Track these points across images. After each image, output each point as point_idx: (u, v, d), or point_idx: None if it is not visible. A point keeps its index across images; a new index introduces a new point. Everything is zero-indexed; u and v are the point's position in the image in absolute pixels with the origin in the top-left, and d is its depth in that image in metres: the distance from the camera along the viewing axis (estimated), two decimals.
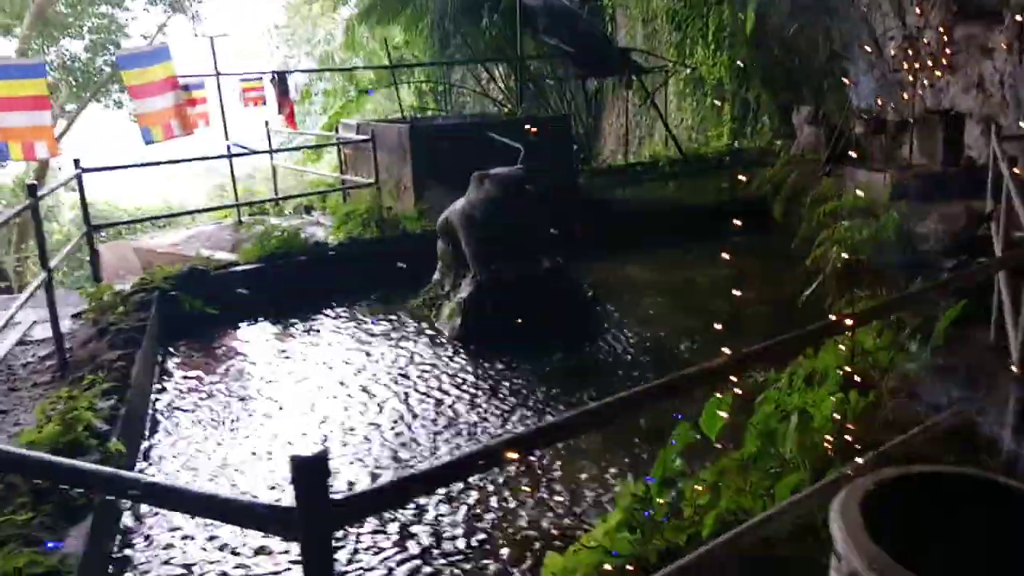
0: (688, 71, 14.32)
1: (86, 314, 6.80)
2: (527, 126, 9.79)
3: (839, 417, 3.83)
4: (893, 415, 4.24)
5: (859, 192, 8.31)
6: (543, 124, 10.55)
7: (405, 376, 6.32)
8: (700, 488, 3.54)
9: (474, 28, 15.22)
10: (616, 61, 13.16)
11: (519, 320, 6.87)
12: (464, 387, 6.11)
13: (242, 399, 6.08)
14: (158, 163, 8.77)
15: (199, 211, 15.43)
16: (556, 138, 10.84)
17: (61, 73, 22.75)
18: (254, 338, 7.51)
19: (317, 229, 9.98)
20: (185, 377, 6.54)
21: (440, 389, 6.07)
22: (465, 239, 7.39)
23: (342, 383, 6.26)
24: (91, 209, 8.43)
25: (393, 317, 7.82)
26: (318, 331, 7.57)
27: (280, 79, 11.93)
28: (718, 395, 3.68)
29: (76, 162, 7.63)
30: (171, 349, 7.14)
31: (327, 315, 7.97)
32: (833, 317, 2.91)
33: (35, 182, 7.39)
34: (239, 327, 7.74)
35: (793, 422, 3.74)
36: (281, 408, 5.88)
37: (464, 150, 9.24)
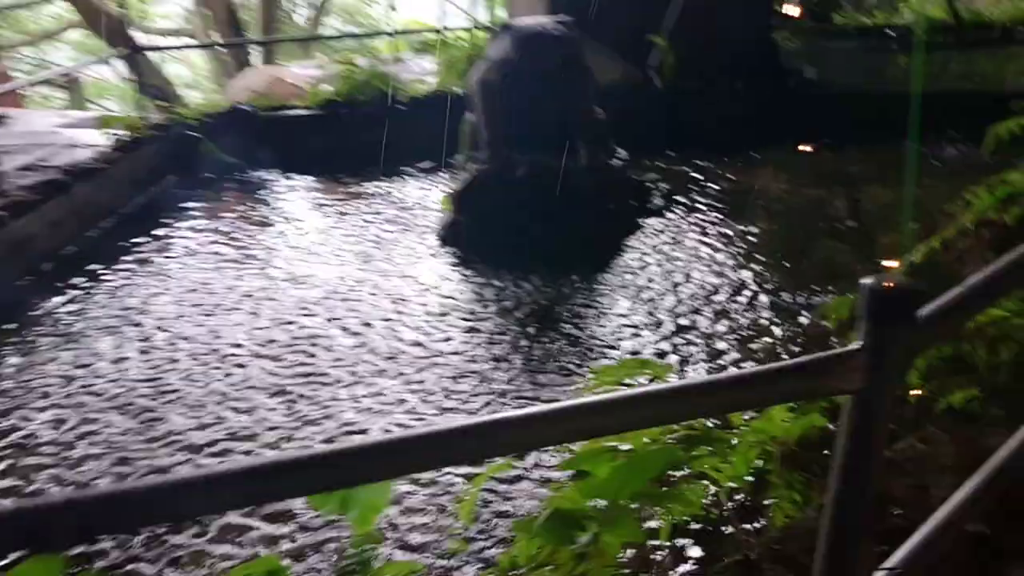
0: None
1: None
2: None
3: None
4: None
5: None
6: None
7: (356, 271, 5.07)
8: None
9: None
10: None
11: (532, 226, 5.25)
12: (408, 302, 4.69)
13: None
14: None
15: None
16: None
17: None
18: (251, 198, 6.56)
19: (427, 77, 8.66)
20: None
21: (371, 301, 4.71)
22: (478, 111, 5.69)
23: (289, 275, 5.11)
24: None
25: (413, 197, 6.45)
26: (321, 203, 6.45)
27: None
28: None
29: None
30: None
31: (352, 181, 6.81)
32: None
33: None
34: (250, 183, 6.84)
35: None
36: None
37: None
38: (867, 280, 1.33)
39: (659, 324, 4.36)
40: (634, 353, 4.03)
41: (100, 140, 6.38)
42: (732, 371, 3.59)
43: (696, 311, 4.47)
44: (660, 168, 6.87)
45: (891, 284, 1.30)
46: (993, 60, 8.31)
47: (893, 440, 3.09)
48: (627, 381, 2.43)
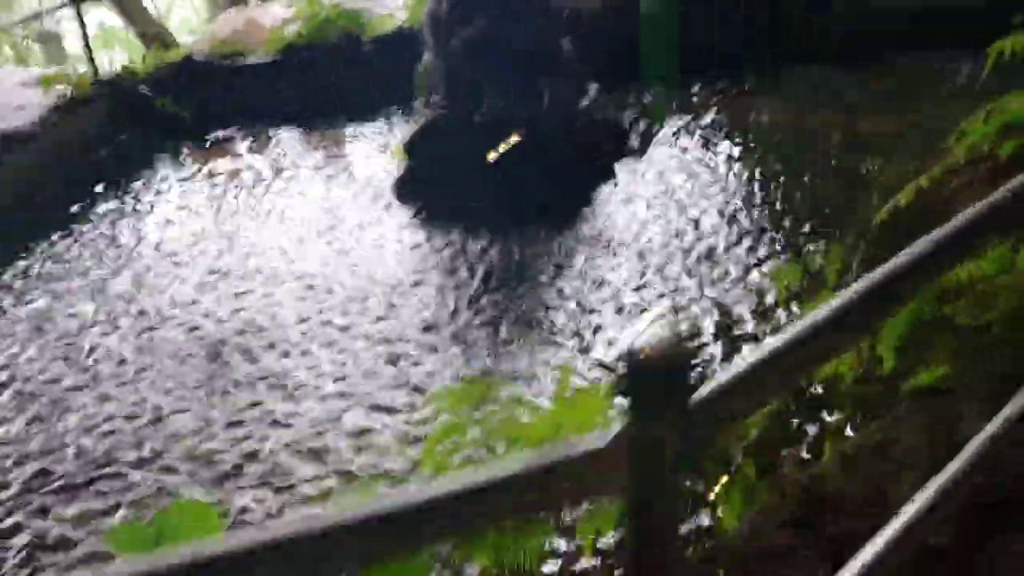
0: None
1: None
2: None
3: None
4: None
5: None
6: None
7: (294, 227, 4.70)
8: None
9: None
10: None
11: (490, 176, 4.83)
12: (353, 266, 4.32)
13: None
14: None
15: None
16: None
17: None
18: (205, 155, 6.17)
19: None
20: None
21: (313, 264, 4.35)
22: (430, 49, 5.19)
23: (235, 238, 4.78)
24: None
25: (369, 147, 6.01)
26: (276, 157, 6.02)
27: None
28: None
29: None
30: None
31: (306, 134, 6.36)
32: None
33: None
34: (205, 139, 6.42)
35: None
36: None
37: None
38: (632, 338, 0.90)
39: (622, 283, 3.92)
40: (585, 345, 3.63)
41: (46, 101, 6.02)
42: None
43: (663, 267, 4.02)
44: (643, 100, 6.32)
45: (652, 353, 0.87)
46: None
47: (856, 426, 2.68)
48: (464, 409, 2.03)
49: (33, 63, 13.82)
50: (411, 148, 5.06)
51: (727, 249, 4.02)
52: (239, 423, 3.17)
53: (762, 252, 3.96)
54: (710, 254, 4.00)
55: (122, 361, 3.64)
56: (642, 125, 5.58)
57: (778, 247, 4.01)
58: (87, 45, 6.70)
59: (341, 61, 6.84)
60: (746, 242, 4.10)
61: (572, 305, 3.74)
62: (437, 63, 5.12)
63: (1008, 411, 1.94)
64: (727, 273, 3.82)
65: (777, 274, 2.82)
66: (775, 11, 7.01)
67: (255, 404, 3.26)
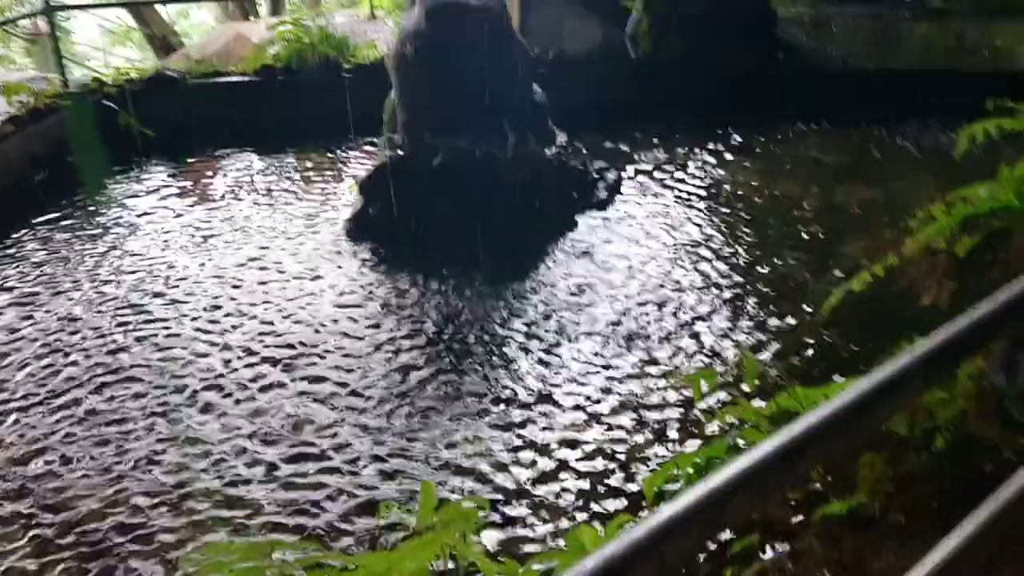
0: None
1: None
2: None
3: None
4: None
5: None
6: None
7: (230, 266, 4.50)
8: None
9: None
10: None
11: (445, 222, 4.65)
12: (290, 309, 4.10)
13: None
14: None
15: None
16: None
17: None
18: (156, 176, 5.99)
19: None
20: None
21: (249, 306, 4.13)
22: (395, 86, 5.02)
23: (168, 277, 4.54)
24: None
25: (329, 181, 5.83)
26: (231, 182, 5.84)
27: None
28: None
29: None
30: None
31: (266, 158, 6.20)
32: None
33: None
34: (162, 159, 6.23)
35: None
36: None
37: None
38: None
39: (557, 353, 3.71)
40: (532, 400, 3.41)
41: (8, 110, 5.86)
42: None
43: (607, 340, 3.80)
44: (618, 152, 6.16)
45: None
46: (1017, 31, 7.34)
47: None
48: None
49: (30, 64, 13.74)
50: (364, 187, 4.88)
51: (660, 334, 3.80)
52: None
53: (698, 340, 3.74)
54: (643, 335, 3.79)
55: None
56: (611, 176, 5.40)
57: (715, 334, 3.78)
58: (58, 53, 6.56)
59: (317, 86, 6.70)
60: (682, 322, 3.88)
61: (501, 384, 3.52)
62: (400, 102, 4.95)
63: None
64: (650, 361, 3.60)
65: (694, 380, 2.56)
66: (767, 65, 6.90)
67: None
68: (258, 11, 16.19)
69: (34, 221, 5.17)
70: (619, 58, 7.17)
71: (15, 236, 5.00)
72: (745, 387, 3.17)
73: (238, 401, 3.35)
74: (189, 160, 6.21)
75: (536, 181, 4.93)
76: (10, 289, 4.38)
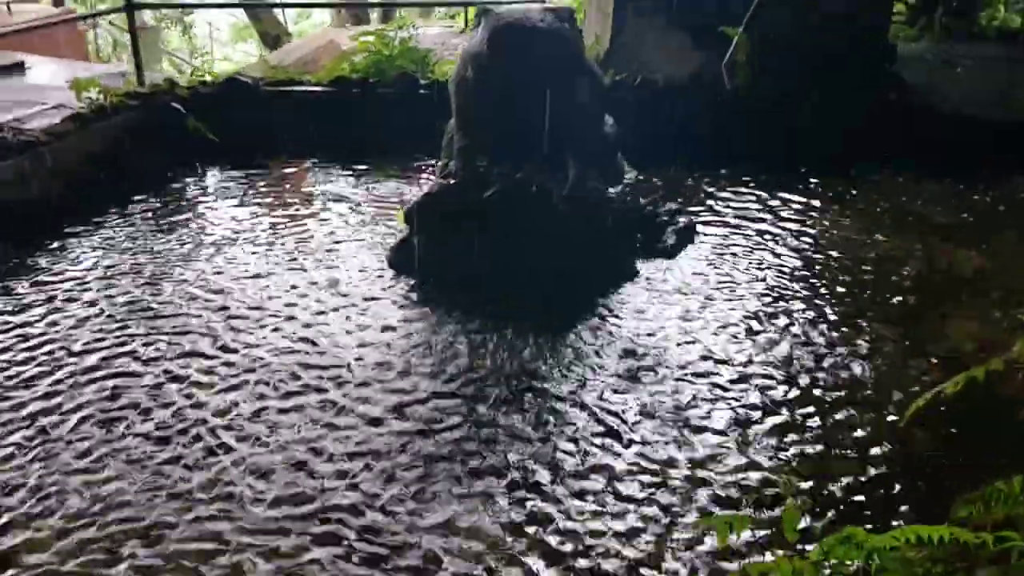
0: None
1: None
2: None
3: None
4: None
5: None
6: None
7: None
8: None
9: None
10: None
11: (496, 258, 4.29)
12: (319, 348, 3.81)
13: None
14: None
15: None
16: None
17: None
18: (206, 188, 5.82)
19: None
20: None
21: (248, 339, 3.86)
22: (454, 110, 4.66)
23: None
24: None
25: (386, 203, 5.52)
26: (287, 194, 5.62)
27: None
28: None
29: None
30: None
31: (331, 175, 5.96)
32: None
33: None
34: (220, 168, 6.08)
35: None
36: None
37: None
38: None
39: (597, 432, 3.24)
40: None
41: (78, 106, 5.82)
42: None
43: (652, 414, 3.30)
44: (698, 191, 5.64)
45: None
46: None
47: None
48: None
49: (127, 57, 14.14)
50: (410, 216, 4.53)
51: (704, 444, 3.21)
52: None
53: (744, 442, 3.17)
54: (685, 429, 3.26)
55: None
56: (683, 220, 4.89)
57: (763, 445, 3.18)
58: (136, 50, 6.53)
59: (391, 102, 6.45)
60: (731, 420, 3.31)
61: (534, 461, 3.08)
62: (458, 128, 4.60)
63: None
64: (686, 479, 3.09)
65: (719, 523, 2.02)
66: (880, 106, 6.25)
67: None
68: (370, 18, 16.26)
69: (70, 229, 5.03)
70: (712, 87, 6.63)
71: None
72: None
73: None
74: (250, 170, 6.03)
75: (594, 223, 4.48)
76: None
